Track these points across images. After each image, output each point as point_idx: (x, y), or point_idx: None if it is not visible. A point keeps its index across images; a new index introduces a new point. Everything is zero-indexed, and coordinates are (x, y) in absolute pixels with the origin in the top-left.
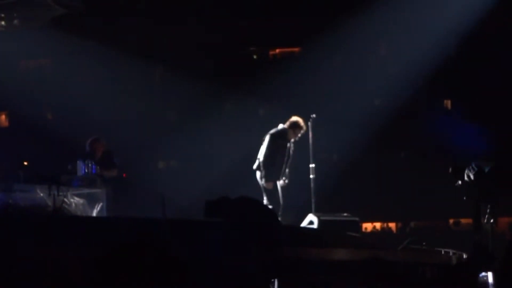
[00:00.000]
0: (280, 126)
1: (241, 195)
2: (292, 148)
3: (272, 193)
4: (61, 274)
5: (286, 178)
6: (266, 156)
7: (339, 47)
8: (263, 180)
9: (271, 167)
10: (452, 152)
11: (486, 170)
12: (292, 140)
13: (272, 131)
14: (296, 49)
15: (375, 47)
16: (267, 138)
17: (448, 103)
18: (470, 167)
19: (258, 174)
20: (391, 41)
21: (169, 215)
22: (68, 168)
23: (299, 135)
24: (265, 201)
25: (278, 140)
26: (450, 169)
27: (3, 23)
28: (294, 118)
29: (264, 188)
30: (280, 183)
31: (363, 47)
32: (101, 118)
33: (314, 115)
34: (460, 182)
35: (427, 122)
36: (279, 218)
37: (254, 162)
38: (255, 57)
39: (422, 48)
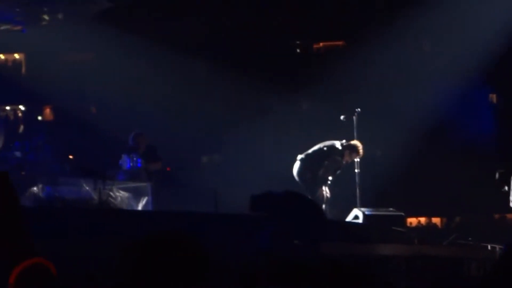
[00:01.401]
0: (338, 143)
1: (286, 190)
2: (342, 166)
3: (312, 189)
4: (104, 268)
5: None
6: (317, 165)
7: (384, 41)
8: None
9: (319, 176)
10: (498, 146)
11: None
12: (345, 161)
13: (332, 146)
14: (340, 43)
15: (419, 42)
16: (326, 151)
17: (493, 98)
18: None
19: (298, 165)
20: (436, 36)
21: (218, 210)
22: (114, 166)
23: (354, 159)
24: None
25: (336, 159)
26: (497, 175)
27: (46, 17)
28: (355, 142)
29: (303, 183)
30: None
31: (408, 42)
32: (145, 112)
33: (359, 109)
34: (506, 188)
35: (473, 117)
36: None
37: (296, 154)
38: (298, 50)
39: (468, 43)
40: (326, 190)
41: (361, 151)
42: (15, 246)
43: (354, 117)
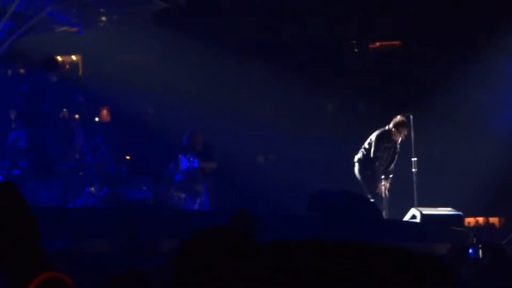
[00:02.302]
0: (381, 130)
1: (342, 189)
2: (398, 150)
3: (372, 187)
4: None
5: (389, 179)
6: (371, 157)
7: (440, 41)
8: (373, 181)
9: (377, 169)
10: None
11: None
12: (399, 140)
13: (377, 132)
14: (396, 43)
15: (475, 41)
16: (373, 139)
17: None
18: None
19: (357, 167)
20: (492, 33)
21: (271, 209)
22: (169, 168)
23: (404, 134)
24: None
25: (384, 142)
26: None
27: (103, 18)
28: (398, 118)
29: (364, 182)
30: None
31: (464, 41)
32: (201, 113)
33: (411, 114)
34: None
35: None
36: (383, 212)
37: (352, 157)
38: (356, 50)
39: None
40: (386, 185)
41: (406, 123)
42: (31, 259)
43: (411, 117)
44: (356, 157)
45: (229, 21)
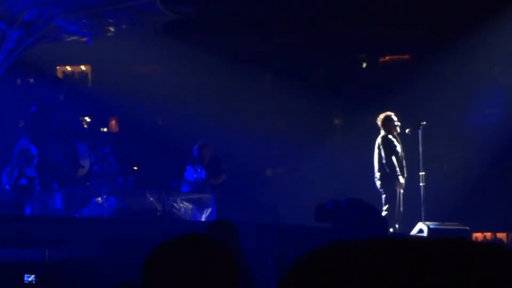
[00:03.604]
0: (382, 133)
1: (348, 198)
2: (400, 146)
3: (392, 201)
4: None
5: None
6: (384, 164)
7: (450, 55)
8: (392, 185)
9: (393, 170)
10: None
11: None
12: (395, 133)
13: (379, 141)
14: (406, 57)
15: (487, 57)
16: (376, 147)
17: None
18: None
19: (379, 183)
20: (504, 52)
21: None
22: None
23: (397, 124)
24: (384, 209)
25: (391, 143)
26: None
27: (112, 28)
28: (381, 117)
29: (385, 196)
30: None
31: (474, 55)
32: (210, 124)
33: (424, 123)
34: None
35: None
36: (396, 226)
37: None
38: (364, 65)
39: None
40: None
41: (390, 114)
42: None
43: (420, 131)
44: (377, 175)
45: (240, 33)
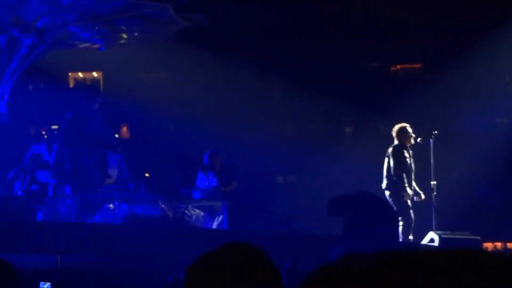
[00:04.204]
0: (395, 142)
1: (360, 191)
2: (410, 157)
3: (404, 211)
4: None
5: (418, 192)
6: (392, 174)
7: (461, 64)
8: (399, 195)
9: (401, 181)
10: None
11: None
12: (408, 144)
13: (390, 150)
14: (417, 66)
15: (497, 65)
16: (386, 156)
17: None
18: None
19: (387, 193)
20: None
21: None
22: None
23: (411, 136)
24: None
25: (396, 154)
26: None
27: (124, 36)
28: (396, 128)
29: (396, 208)
30: (416, 198)
31: (484, 64)
32: (221, 131)
33: (436, 132)
34: None
35: None
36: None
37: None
38: (377, 73)
39: None
40: (421, 196)
41: (405, 125)
42: None
43: (431, 140)
44: (383, 184)
45: (252, 40)
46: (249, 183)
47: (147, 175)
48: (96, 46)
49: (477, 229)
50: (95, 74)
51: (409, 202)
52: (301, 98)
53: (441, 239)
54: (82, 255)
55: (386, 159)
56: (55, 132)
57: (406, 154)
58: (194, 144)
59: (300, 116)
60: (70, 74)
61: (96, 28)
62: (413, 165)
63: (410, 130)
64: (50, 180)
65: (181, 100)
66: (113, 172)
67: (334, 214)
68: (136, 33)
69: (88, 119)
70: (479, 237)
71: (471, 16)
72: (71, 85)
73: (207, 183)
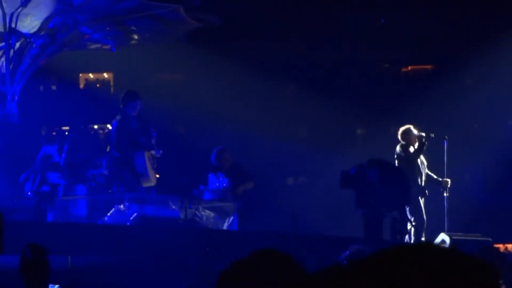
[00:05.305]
0: (402, 142)
1: (371, 158)
2: (424, 162)
3: (415, 212)
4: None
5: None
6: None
7: (473, 65)
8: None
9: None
10: None
11: None
12: (415, 144)
13: (396, 148)
14: (429, 67)
15: (510, 67)
16: (396, 161)
17: None
18: None
19: None
20: None
21: (299, 231)
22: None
23: (416, 135)
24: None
25: (403, 158)
26: None
27: (135, 36)
28: (400, 130)
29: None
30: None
31: (497, 66)
32: (232, 133)
33: (446, 137)
34: None
35: None
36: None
37: None
38: (389, 74)
39: None
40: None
41: (409, 127)
42: None
43: (446, 142)
44: None
45: (263, 41)
46: (260, 184)
47: (157, 176)
48: (107, 46)
49: (489, 231)
50: (106, 75)
51: (421, 203)
52: (312, 100)
53: (452, 240)
54: (92, 255)
55: (396, 160)
56: (66, 133)
57: (413, 154)
58: (205, 145)
59: (311, 117)
60: (81, 75)
61: (107, 28)
62: (422, 166)
63: (414, 131)
64: (60, 181)
65: (193, 100)
66: (151, 174)
67: (346, 186)
68: (147, 34)
69: (133, 124)
70: (490, 239)
71: (483, 17)
72: (82, 86)
73: (217, 184)
